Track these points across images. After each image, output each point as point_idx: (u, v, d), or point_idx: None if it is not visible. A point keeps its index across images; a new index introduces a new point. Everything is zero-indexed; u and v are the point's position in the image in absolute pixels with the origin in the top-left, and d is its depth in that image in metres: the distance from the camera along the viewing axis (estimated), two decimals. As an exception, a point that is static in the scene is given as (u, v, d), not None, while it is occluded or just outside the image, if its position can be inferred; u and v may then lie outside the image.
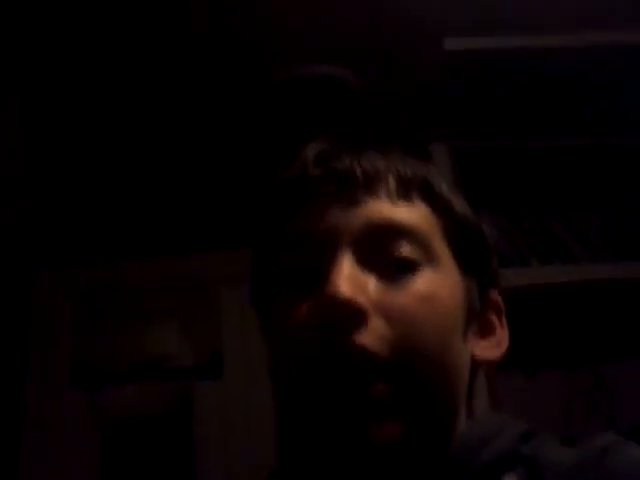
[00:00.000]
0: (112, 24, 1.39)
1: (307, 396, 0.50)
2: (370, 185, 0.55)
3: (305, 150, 0.59)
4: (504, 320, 0.61)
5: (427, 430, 0.50)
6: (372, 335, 0.49)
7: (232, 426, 1.98)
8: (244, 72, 1.55)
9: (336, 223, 0.53)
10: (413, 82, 1.57)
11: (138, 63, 1.49)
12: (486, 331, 0.59)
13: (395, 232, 0.53)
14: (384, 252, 0.53)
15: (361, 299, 0.49)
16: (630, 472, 0.45)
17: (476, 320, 0.58)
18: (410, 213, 0.55)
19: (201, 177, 2.01)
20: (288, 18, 1.39)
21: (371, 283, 0.51)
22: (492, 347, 0.59)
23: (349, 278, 0.50)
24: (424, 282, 0.52)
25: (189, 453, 2.00)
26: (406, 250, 0.53)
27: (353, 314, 0.49)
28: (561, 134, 1.80)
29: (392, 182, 0.55)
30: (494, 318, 0.60)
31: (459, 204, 0.60)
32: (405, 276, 0.52)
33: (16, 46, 1.40)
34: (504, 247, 1.70)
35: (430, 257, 0.54)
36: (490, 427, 0.54)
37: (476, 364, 0.57)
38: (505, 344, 0.59)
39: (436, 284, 0.53)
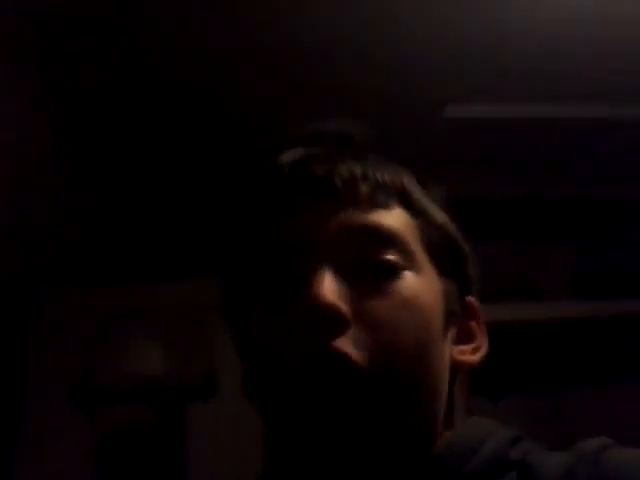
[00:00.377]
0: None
1: (290, 405, 0.50)
2: (347, 191, 0.54)
3: (281, 157, 0.58)
4: (482, 326, 0.60)
5: (409, 432, 0.51)
6: (353, 343, 0.49)
7: (224, 443, 2.10)
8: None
9: (314, 230, 0.53)
10: (412, 140, 1.76)
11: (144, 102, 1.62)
12: (466, 336, 0.59)
13: (374, 237, 0.53)
14: (364, 257, 0.53)
15: (342, 306, 0.49)
16: (625, 471, 0.45)
17: (456, 324, 0.58)
18: (388, 218, 0.55)
19: (199, 205, 2.14)
20: (303, 82, 1.55)
21: (352, 290, 0.51)
22: (471, 352, 0.59)
23: (330, 285, 0.49)
24: (405, 286, 0.52)
25: (180, 467, 2.11)
26: (386, 254, 0.53)
27: (335, 320, 0.48)
28: (539, 185, 2.01)
29: (369, 188, 0.55)
30: (473, 324, 0.60)
31: (435, 210, 0.60)
32: (386, 281, 0.52)
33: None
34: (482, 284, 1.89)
35: (410, 261, 0.54)
36: (479, 432, 0.54)
37: (456, 368, 0.57)
38: (485, 349, 0.59)
39: (417, 288, 0.53)
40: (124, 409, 2.16)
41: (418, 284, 0.53)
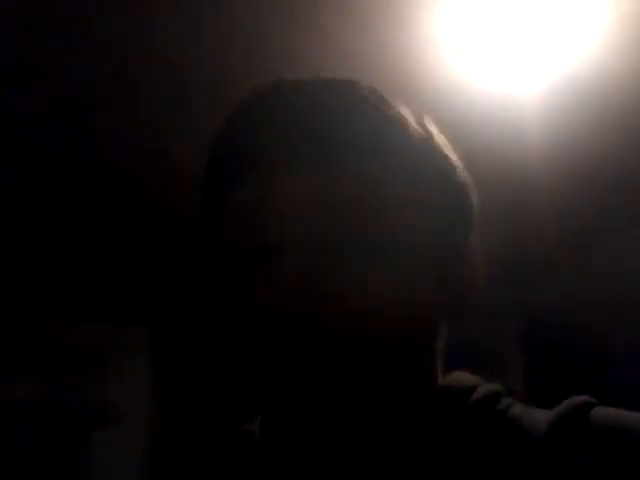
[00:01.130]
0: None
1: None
2: (327, 144, 0.46)
3: (250, 102, 0.49)
4: (476, 271, 0.54)
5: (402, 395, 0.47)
6: (334, 322, 0.44)
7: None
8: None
9: (288, 193, 0.46)
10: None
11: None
12: (458, 282, 0.52)
13: (358, 201, 0.46)
14: (348, 227, 0.46)
15: (316, 289, 0.44)
16: (610, 429, 0.44)
17: (452, 271, 0.52)
18: (368, 183, 0.46)
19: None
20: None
21: (330, 264, 0.45)
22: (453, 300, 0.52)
23: (303, 265, 0.44)
24: (389, 262, 0.46)
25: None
26: (364, 230, 0.46)
27: (307, 315, 0.43)
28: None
29: (354, 137, 0.46)
30: (468, 269, 0.54)
31: (434, 147, 0.50)
32: (364, 257, 0.46)
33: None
34: None
35: (390, 228, 0.46)
36: (470, 379, 0.51)
37: (449, 314, 0.52)
38: (473, 297, 0.53)
39: (402, 263, 0.46)
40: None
41: (402, 259, 0.47)
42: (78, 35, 1.47)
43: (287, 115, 0.47)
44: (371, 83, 0.49)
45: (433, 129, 0.52)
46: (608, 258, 2.40)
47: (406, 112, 0.50)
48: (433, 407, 0.49)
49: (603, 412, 0.46)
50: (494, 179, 1.73)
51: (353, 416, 0.46)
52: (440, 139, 0.52)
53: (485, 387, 0.50)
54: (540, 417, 0.47)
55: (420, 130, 0.50)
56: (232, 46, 1.53)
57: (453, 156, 0.52)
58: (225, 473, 0.55)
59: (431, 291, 0.49)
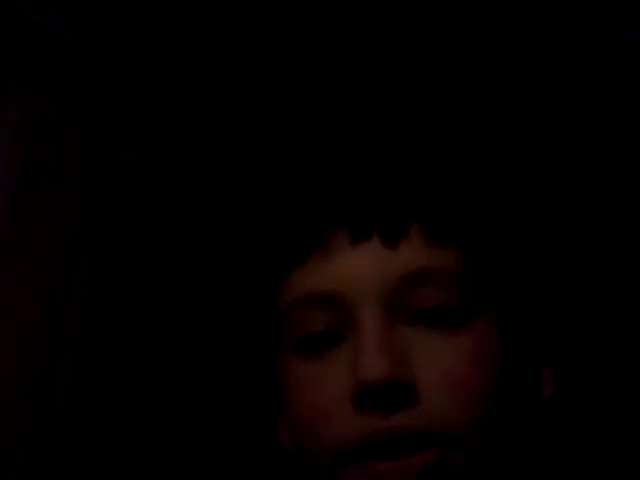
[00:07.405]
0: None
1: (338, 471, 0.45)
2: (397, 222, 0.46)
3: (308, 173, 0.49)
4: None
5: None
6: (419, 413, 0.43)
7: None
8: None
9: (357, 274, 0.45)
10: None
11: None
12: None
13: (434, 280, 0.45)
14: (421, 305, 0.45)
15: (403, 373, 0.43)
16: None
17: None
18: (449, 256, 0.46)
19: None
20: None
21: (411, 346, 0.44)
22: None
23: (384, 347, 0.43)
24: (472, 338, 0.45)
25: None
26: (448, 301, 0.45)
27: (395, 395, 0.42)
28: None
29: (426, 217, 0.46)
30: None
31: (511, 242, 0.51)
32: (449, 332, 0.45)
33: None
34: None
35: (474, 307, 0.46)
36: None
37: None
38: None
39: (486, 338, 0.46)
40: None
41: (487, 333, 0.46)
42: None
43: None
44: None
45: None
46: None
47: None
48: None
49: None
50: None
51: None
52: None
53: None
54: None
55: None
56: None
57: None
58: None
59: None
